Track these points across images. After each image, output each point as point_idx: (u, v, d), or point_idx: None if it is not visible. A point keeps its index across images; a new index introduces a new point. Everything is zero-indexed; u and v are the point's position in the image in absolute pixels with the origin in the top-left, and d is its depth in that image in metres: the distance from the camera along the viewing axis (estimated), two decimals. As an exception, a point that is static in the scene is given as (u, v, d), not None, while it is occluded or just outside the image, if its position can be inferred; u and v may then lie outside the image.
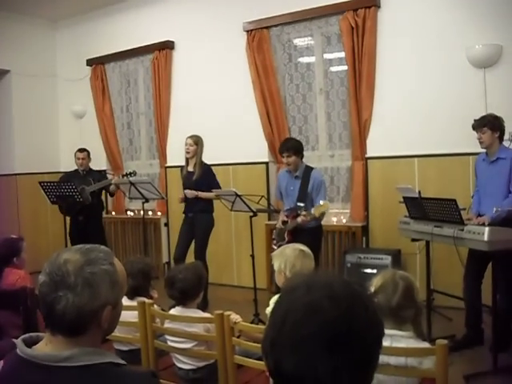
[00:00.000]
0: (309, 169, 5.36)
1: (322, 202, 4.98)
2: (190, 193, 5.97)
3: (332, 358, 1.03)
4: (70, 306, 1.48)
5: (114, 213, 8.37)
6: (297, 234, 5.10)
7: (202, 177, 5.98)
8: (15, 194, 8.50)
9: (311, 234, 5.09)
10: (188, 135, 6.13)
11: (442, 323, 5.00)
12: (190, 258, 5.95)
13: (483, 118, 4.52)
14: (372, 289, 2.44)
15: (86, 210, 6.75)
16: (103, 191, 7.10)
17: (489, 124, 4.43)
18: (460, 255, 4.31)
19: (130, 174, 6.73)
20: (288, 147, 5.30)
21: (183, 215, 6.23)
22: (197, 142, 6.05)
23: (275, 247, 5.21)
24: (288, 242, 4.95)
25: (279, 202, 5.88)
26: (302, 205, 5.12)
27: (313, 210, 4.96)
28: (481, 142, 4.50)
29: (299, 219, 5.02)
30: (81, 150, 7.12)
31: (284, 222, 5.27)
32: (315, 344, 1.03)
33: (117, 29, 8.19)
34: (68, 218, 6.99)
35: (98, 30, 8.43)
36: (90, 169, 7.22)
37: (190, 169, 6.10)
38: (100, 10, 8.34)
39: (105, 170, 8.11)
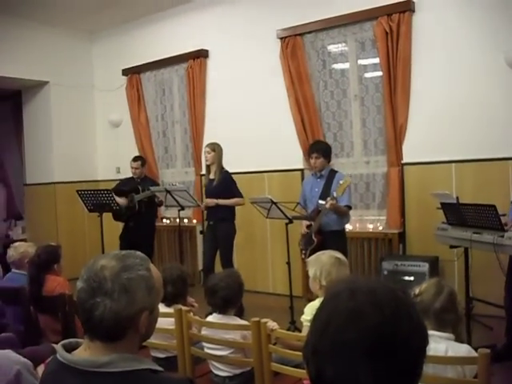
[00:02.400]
0: (333, 171, 5.44)
1: (341, 181, 5.02)
2: (210, 201, 6.02)
3: (374, 365, 1.01)
4: (107, 312, 1.50)
5: (150, 220, 8.43)
6: (323, 238, 5.13)
7: (221, 183, 6.02)
8: (54, 203, 8.66)
9: (337, 238, 5.17)
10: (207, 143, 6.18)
11: (481, 332, 4.90)
12: (218, 267, 5.96)
13: None
14: (416, 291, 2.45)
15: (136, 217, 6.84)
16: (155, 199, 7.07)
17: None
18: (500, 262, 4.22)
19: (173, 185, 6.77)
20: (318, 148, 5.40)
21: (206, 222, 6.28)
22: (214, 148, 6.09)
23: (304, 256, 5.22)
24: (318, 244, 4.97)
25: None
26: (323, 202, 5.12)
27: (334, 193, 4.99)
28: None
29: (327, 205, 4.99)
30: (135, 159, 7.23)
31: (308, 227, 5.27)
32: (357, 350, 1.01)
33: (151, 39, 8.30)
34: (110, 224, 7.08)
35: (132, 41, 8.55)
36: (146, 176, 7.32)
37: (211, 176, 6.16)
38: (134, 21, 8.46)
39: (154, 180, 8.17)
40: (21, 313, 4.07)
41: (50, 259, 4.14)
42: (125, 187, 6.95)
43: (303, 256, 5.30)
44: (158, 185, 7.28)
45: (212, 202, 5.98)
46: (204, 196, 7.34)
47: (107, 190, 6.70)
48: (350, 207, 5.33)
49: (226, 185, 6.03)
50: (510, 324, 4.49)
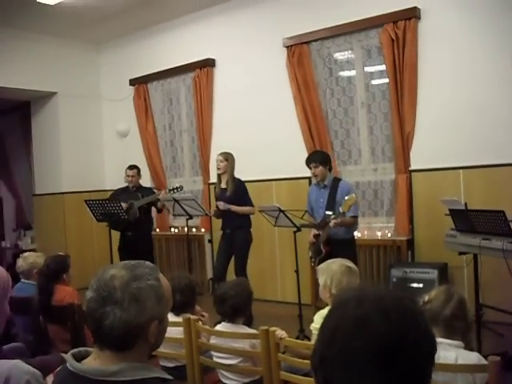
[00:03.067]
0: (337, 179, 5.47)
1: (347, 197, 4.99)
2: (223, 204, 5.94)
3: (381, 372, 1.00)
4: (117, 321, 1.50)
5: (158, 230, 8.45)
6: (331, 245, 5.13)
7: (235, 192, 6.00)
8: (62, 212, 8.70)
9: (346, 246, 5.15)
10: (216, 153, 6.18)
11: (492, 339, 4.85)
12: (230, 275, 5.94)
13: None
14: (426, 298, 2.44)
15: (135, 226, 6.81)
16: (152, 207, 7.10)
17: None
18: (510, 268, 4.20)
19: (177, 188, 6.78)
20: (314, 158, 5.45)
21: (221, 231, 6.25)
22: (227, 158, 6.07)
23: (313, 264, 5.22)
24: (326, 254, 4.96)
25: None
26: (330, 213, 5.13)
27: (340, 209, 4.98)
28: None
29: (331, 223, 5.01)
30: (131, 168, 7.19)
31: (316, 236, 5.26)
32: (364, 358, 1.01)
33: (158, 48, 8.35)
34: (114, 236, 7.08)
35: (139, 51, 8.61)
36: (140, 185, 7.29)
37: (223, 185, 6.12)
38: (141, 32, 8.52)
39: (150, 188, 8.21)
40: (30, 323, 4.08)
41: (59, 269, 4.15)
42: (121, 196, 6.86)
43: (313, 264, 5.30)
44: (154, 192, 7.29)
45: (224, 205, 5.93)
46: (210, 205, 7.38)
47: (115, 199, 6.71)
48: (356, 217, 5.32)
49: (240, 194, 6.02)
50: (520, 331, 4.46)
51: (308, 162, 5.48)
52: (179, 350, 3.42)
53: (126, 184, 7.22)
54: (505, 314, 4.84)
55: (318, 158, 5.44)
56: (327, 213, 5.19)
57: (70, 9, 7.35)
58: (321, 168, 5.36)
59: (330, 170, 5.48)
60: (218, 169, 6.12)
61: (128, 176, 7.14)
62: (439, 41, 5.78)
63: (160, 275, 1.63)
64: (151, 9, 7.62)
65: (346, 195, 5.12)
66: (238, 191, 6.02)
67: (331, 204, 5.24)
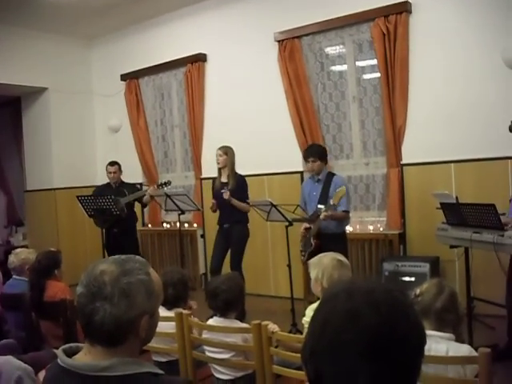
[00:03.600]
0: (331, 174, 5.48)
1: (337, 189, 5.03)
2: (228, 194, 5.85)
3: (372, 365, 1.01)
4: (107, 317, 1.50)
5: (150, 225, 8.45)
6: (322, 240, 5.14)
7: (236, 187, 5.99)
8: (54, 208, 8.67)
9: (336, 240, 5.16)
10: (217, 147, 6.17)
11: (483, 332, 4.88)
12: (226, 269, 5.95)
13: None
14: (417, 291, 2.45)
15: (121, 223, 6.79)
16: (135, 203, 7.06)
17: None
18: (501, 261, 4.22)
19: (165, 183, 6.77)
20: (313, 152, 5.44)
21: (217, 226, 6.24)
22: (226, 152, 6.06)
23: (303, 258, 5.24)
24: (316, 247, 4.98)
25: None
26: (322, 206, 5.15)
27: (331, 201, 5.02)
28: None
29: (321, 216, 5.03)
30: (111, 164, 7.12)
31: (307, 229, 5.28)
32: (355, 351, 1.01)
33: (149, 44, 8.32)
34: (103, 231, 7.07)
35: (131, 46, 8.58)
36: (122, 181, 7.22)
37: (224, 179, 6.11)
38: (132, 27, 8.49)
39: (141, 183, 8.19)
40: (22, 319, 4.08)
41: (51, 265, 4.14)
42: (105, 193, 6.84)
43: (302, 257, 5.32)
44: (138, 188, 7.26)
45: (229, 196, 5.85)
46: (202, 200, 7.37)
47: (108, 194, 6.69)
48: (347, 211, 5.34)
49: (240, 189, 6.02)
50: (511, 323, 4.48)
51: (306, 156, 5.49)
52: (171, 344, 3.42)
53: (108, 181, 7.18)
54: (496, 306, 4.87)
55: (317, 152, 5.45)
56: (319, 206, 5.21)
57: (61, 4, 7.31)
58: (319, 162, 5.38)
59: (325, 164, 5.50)
60: (218, 163, 6.10)
61: (110, 172, 7.08)
62: (430, 35, 5.79)
63: (150, 269, 1.63)
64: (143, 3, 7.60)
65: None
66: (240, 186, 6.02)
67: (324, 198, 5.26)
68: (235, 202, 5.92)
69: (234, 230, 6.03)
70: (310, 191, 5.50)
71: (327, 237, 5.16)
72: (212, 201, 6.14)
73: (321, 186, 5.38)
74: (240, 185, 6.03)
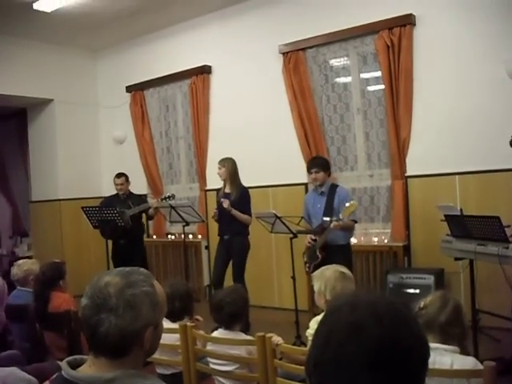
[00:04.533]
0: (334, 185, 5.47)
1: (347, 204, 5.01)
2: (227, 203, 5.88)
3: (375, 377, 1.01)
4: (112, 328, 1.51)
5: (155, 236, 8.45)
6: (328, 252, 5.11)
7: (238, 198, 5.99)
8: (59, 219, 8.69)
9: (343, 252, 5.16)
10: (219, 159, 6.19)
11: (488, 344, 4.86)
12: (228, 281, 5.94)
13: None
14: (421, 304, 2.44)
15: (127, 234, 6.81)
16: (143, 215, 7.12)
17: None
18: (506, 274, 4.21)
19: (169, 197, 6.79)
20: (317, 163, 5.46)
21: (218, 237, 6.24)
22: (224, 164, 6.07)
23: (308, 269, 5.23)
24: (322, 260, 4.95)
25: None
26: (327, 219, 5.13)
27: (341, 215, 4.99)
28: None
29: (332, 225, 5.00)
30: (118, 176, 7.17)
31: (313, 240, 5.26)
32: (358, 363, 1.02)
33: (155, 56, 8.36)
34: (110, 242, 7.09)
35: (136, 58, 8.62)
36: (131, 192, 7.27)
37: (227, 190, 6.12)
38: (138, 39, 8.54)
39: (145, 194, 8.21)
40: (26, 330, 4.08)
41: (55, 276, 4.15)
42: (112, 204, 6.88)
43: (307, 269, 5.31)
44: (145, 200, 7.28)
45: (229, 205, 5.88)
46: (206, 212, 7.37)
47: (113, 206, 6.70)
48: (355, 221, 5.34)
49: (242, 200, 6.02)
50: (517, 336, 4.47)
51: (309, 168, 5.50)
52: (175, 356, 3.42)
53: (116, 192, 7.22)
54: (501, 319, 4.85)
55: (320, 163, 5.47)
56: (324, 219, 5.20)
57: (66, 16, 7.36)
58: (322, 173, 5.38)
59: (328, 175, 5.51)
60: (220, 175, 6.14)
61: (117, 184, 7.14)
62: (435, 48, 5.81)
63: (154, 281, 1.64)
64: (148, 16, 7.64)
65: (344, 201, 5.13)
66: (242, 198, 6.02)
67: (329, 210, 5.25)
68: (235, 212, 5.91)
69: (234, 241, 6.02)
70: (313, 203, 5.48)
71: (333, 249, 5.13)
72: (214, 210, 6.16)
73: (325, 199, 5.36)
74: (243, 196, 6.03)
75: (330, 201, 5.31)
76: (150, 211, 6.91)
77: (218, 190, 6.35)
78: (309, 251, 5.30)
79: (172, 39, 8.14)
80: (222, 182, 6.22)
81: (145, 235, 7.73)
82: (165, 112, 8.55)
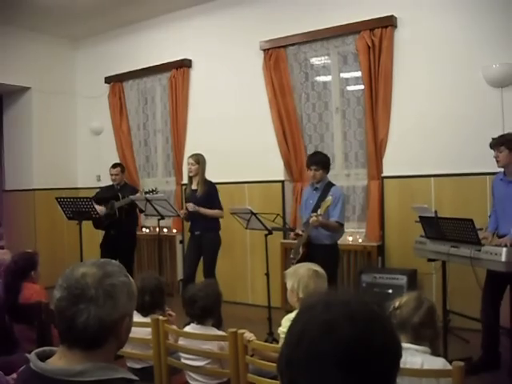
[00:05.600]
0: (330, 184, 5.37)
1: (326, 199, 4.98)
2: (192, 206, 5.87)
3: (347, 376, 1.01)
4: (91, 318, 1.50)
5: (129, 229, 8.39)
6: (312, 251, 5.08)
7: (205, 194, 5.97)
8: (33, 209, 8.58)
9: (326, 252, 5.08)
10: (189, 155, 6.16)
11: (458, 345, 4.93)
12: (199, 277, 5.92)
13: (501, 136, 4.51)
14: (396, 304, 2.46)
15: (117, 225, 6.79)
16: (136, 208, 7.00)
17: (507, 143, 4.41)
18: (477, 276, 4.27)
19: (152, 191, 6.75)
20: (317, 161, 5.31)
21: (189, 233, 6.22)
22: (198, 160, 6.02)
23: (292, 265, 5.21)
24: (303, 255, 4.94)
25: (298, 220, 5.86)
26: (314, 214, 5.08)
27: (319, 211, 4.96)
28: (497, 161, 4.49)
29: (310, 220, 4.97)
30: (114, 166, 7.18)
31: (298, 235, 5.24)
32: (330, 363, 1.02)
33: (135, 47, 8.30)
34: (90, 233, 7.04)
35: (116, 49, 8.54)
36: (125, 183, 7.28)
37: (194, 187, 6.08)
38: (119, 30, 8.46)
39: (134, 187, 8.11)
40: (-5, 321, 4.02)
41: (27, 266, 4.09)
42: (105, 195, 6.93)
43: (292, 265, 5.28)
44: (138, 191, 7.23)
45: (194, 207, 5.87)
46: (182, 206, 7.32)
47: (87, 197, 6.65)
48: (340, 224, 5.23)
49: (210, 196, 5.99)
50: (485, 337, 4.53)
51: (309, 164, 5.36)
52: (147, 350, 3.40)
53: (112, 182, 7.22)
54: (471, 320, 4.91)
55: (320, 160, 5.33)
56: (312, 214, 5.16)
57: (48, 4, 7.27)
58: (321, 172, 5.28)
59: (327, 173, 5.40)
60: (190, 171, 6.06)
61: (112, 175, 7.13)
62: (415, 50, 5.85)
63: (126, 273, 1.64)
64: (130, 7, 7.58)
65: (335, 201, 5.10)
66: (209, 193, 5.99)
67: (318, 207, 5.16)
68: (204, 210, 5.89)
69: (205, 237, 5.99)
70: (307, 199, 5.43)
71: (316, 247, 5.08)
72: (183, 210, 6.12)
73: (318, 195, 5.30)
74: (210, 192, 6.00)
75: (322, 198, 5.21)
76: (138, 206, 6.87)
77: (185, 187, 6.31)
78: (295, 247, 5.27)
79: (153, 31, 8.08)
80: (188, 178, 6.16)
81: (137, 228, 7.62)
82: (143, 104, 8.49)
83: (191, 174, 6.08)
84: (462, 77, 5.57)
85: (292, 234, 5.35)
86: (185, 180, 7.55)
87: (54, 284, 1.59)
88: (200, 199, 5.92)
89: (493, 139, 4.52)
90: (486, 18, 5.43)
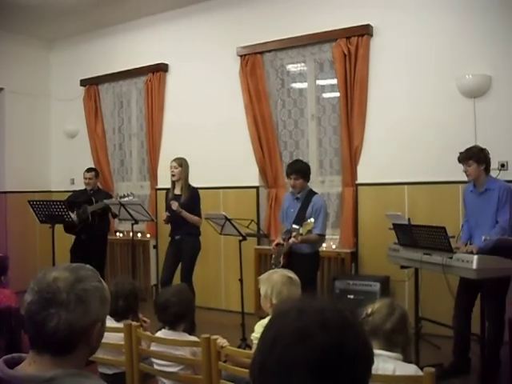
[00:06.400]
0: (312, 193, 5.36)
1: (308, 220, 4.95)
2: (177, 205, 5.83)
3: (320, 383, 1.01)
4: (62, 323, 1.47)
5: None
6: (292, 259, 5.08)
7: (189, 199, 5.96)
8: (4, 212, 8.43)
9: (306, 260, 5.09)
10: (172, 158, 6.13)
11: (429, 351, 4.98)
12: (176, 281, 5.90)
13: (468, 150, 4.55)
14: (369, 310, 2.47)
15: (89, 230, 6.75)
16: (109, 213, 6.97)
17: (474, 157, 4.47)
18: (449, 283, 4.32)
19: (127, 195, 6.70)
20: (297, 170, 5.29)
21: (169, 238, 6.20)
22: (181, 164, 6.02)
23: None
24: (283, 266, 4.93)
25: (279, 226, 5.85)
26: (296, 227, 5.06)
27: (301, 230, 4.94)
28: (467, 175, 4.55)
29: (290, 240, 4.99)
30: (88, 170, 7.17)
31: (279, 245, 5.23)
32: (303, 369, 1.02)
33: (111, 50, 8.24)
34: (62, 238, 6.95)
35: (92, 51, 8.47)
36: (99, 188, 7.26)
37: (177, 192, 6.06)
38: (95, 32, 8.39)
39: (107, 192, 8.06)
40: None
41: (-3, 271, 4.03)
42: (78, 199, 6.87)
43: None
44: (111, 197, 7.18)
45: (178, 207, 5.82)
46: (156, 211, 7.30)
47: (60, 200, 6.59)
48: (322, 235, 5.25)
49: (193, 202, 5.98)
50: (457, 343, 4.59)
51: (289, 173, 5.33)
52: (119, 356, 3.37)
53: (85, 187, 7.17)
54: (442, 326, 4.97)
55: (300, 169, 5.30)
56: (294, 226, 5.12)
57: (23, 4, 7.16)
58: (301, 181, 5.26)
59: (307, 181, 5.38)
60: (173, 175, 6.03)
61: (85, 178, 7.12)
62: (390, 59, 5.91)
63: (100, 278, 1.62)
64: (106, 9, 7.52)
65: (316, 212, 5.11)
66: (193, 199, 5.98)
67: (300, 217, 5.16)
68: (185, 213, 5.87)
69: (185, 242, 5.98)
70: (288, 207, 5.42)
71: (297, 256, 5.09)
72: (165, 213, 6.09)
73: (299, 205, 5.28)
74: (193, 197, 6.00)
75: (303, 208, 5.22)
76: (111, 212, 6.80)
77: (167, 191, 6.28)
78: (275, 256, 5.26)
79: (130, 35, 8.04)
80: (171, 183, 6.14)
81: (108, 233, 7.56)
82: (119, 108, 8.44)
83: (174, 179, 6.05)
84: (436, 86, 5.64)
85: (273, 244, 5.33)
86: (160, 185, 7.55)
87: (25, 289, 1.57)
88: (183, 204, 5.90)
89: (460, 153, 4.59)
90: (460, 28, 5.51)
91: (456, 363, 4.54)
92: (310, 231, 4.94)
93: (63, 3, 7.26)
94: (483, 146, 4.62)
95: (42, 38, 8.86)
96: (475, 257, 3.96)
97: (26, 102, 8.66)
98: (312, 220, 4.96)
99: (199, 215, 5.97)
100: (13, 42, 8.46)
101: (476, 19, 5.44)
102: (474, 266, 3.92)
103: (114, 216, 7.03)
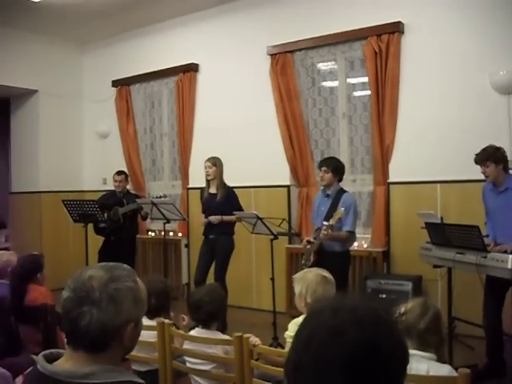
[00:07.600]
0: (342, 191, 5.32)
1: (338, 210, 4.95)
2: (215, 218, 5.90)
3: (354, 382, 1.01)
4: (94, 322, 1.50)
5: (135, 233, 8.40)
6: (323, 257, 5.05)
7: (225, 199, 5.98)
8: (39, 212, 8.60)
9: (336, 259, 5.04)
10: (204, 157, 6.17)
11: (463, 352, 4.91)
12: (210, 280, 5.92)
13: (484, 151, 4.46)
14: (402, 309, 2.46)
15: (118, 231, 6.83)
16: (138, 215, 7.07)
17: (492, 157, 4.39)
18: (482, 283, 4.26)
19: (161, 197, 6.75)
20: (328, 163, 5.31)
21: (203, 237, 6.23)
22: (215, 163, 6.04)
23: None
24: (313, 263, 4.92)
25: (311, 225, 5.83)
26: (326, 223, 5.02)
27: (331, 221, 4.93)
28: (486, 176, 4.47)
29: (321, 234, 4.98)
30: (118, 173, 7.23)
31: (309, 242, 5.21)
32: (338, 368, 1.02)
33: (142, 51, 8.32)
34: (95, 236, 7.05)
35: (123, 52, 8.58)
36: (128, 191, 7.34)
37: (212, 191, 6.08)
38: (126, 33, 8.49)
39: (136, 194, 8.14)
40: (1, 323, 4.02)
41: (33, 268, 4.10)
42: (108, 201, 6.93)
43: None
44: (140, 198, 7.25)
45: (217, 219, 5.88)
46: (188, 210, 7.35)
47: (93, 200, 6.69)
48: (351, 232, 5.21)
49: (229, 201, 5.99)
50: (489, 343, 4.51)
51: (320, 165, 5.38)
52: (152, 354, 3.40)
53: (114, 189, 7.25)
54: (476, 327, 4.89)
55: (331, 163, 5.30)
56: (324, 223, 5.08)
57: (54, 6, 7.30)
58: (330, 175, 5.24)
59: (339, 180, 5.35)
60: (208, 175, 6.05)
61: (115, 181, 7.18)
62: (422, 56, 5.85)
63: (137, 278, 1.63)
64: (136, 11, 7.60)
65: (346, 209, 5.06)
66: (229, 198, 6.00)
67: (331, 214, 5.11)
68: (226, 218, 5.89)
69: (219, 241, 6.01)
70: (319, 205, 5.40)
71: (328, 254, 5.05)
72: (204, 220, 6.09)
73: (329, 202, 5.25)
74: (230, 197, 6.01)
75: (333, 205, 5.18)
76: (143, 212, 6.86)
77: (201, 190, 6.31)
78: (306, 253, 5.25)
79: (161, 35, 8.11)
80: (206, 182, 6.17)
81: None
82: (150, 108, 8.52)
83: (209, 178, 6.07)
84: (468, 83, 5.57)
85: (304, 240, 5.32)
86: (191, 184, 7.60)
87: (59, 286, 1.61)
88: (219, 204, 5.93)
89: (476, 155, 4.50)
90: (493, 25, 5.43)
91: (491, 364, 4.46)
92: (340, 219, 4.95)
93: (95, 6, 7.37)
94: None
95: (75, 41, 9.00)
96: (510, 256, 3.91)
97: (59, 103, 8.80)
98: (342, 209, 4.96)
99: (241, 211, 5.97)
100: (46, 44, 8.63)
101: (509, 15, 5.35)
102: (509, 265, 3.87)
103: (144, 218, 7.10)
